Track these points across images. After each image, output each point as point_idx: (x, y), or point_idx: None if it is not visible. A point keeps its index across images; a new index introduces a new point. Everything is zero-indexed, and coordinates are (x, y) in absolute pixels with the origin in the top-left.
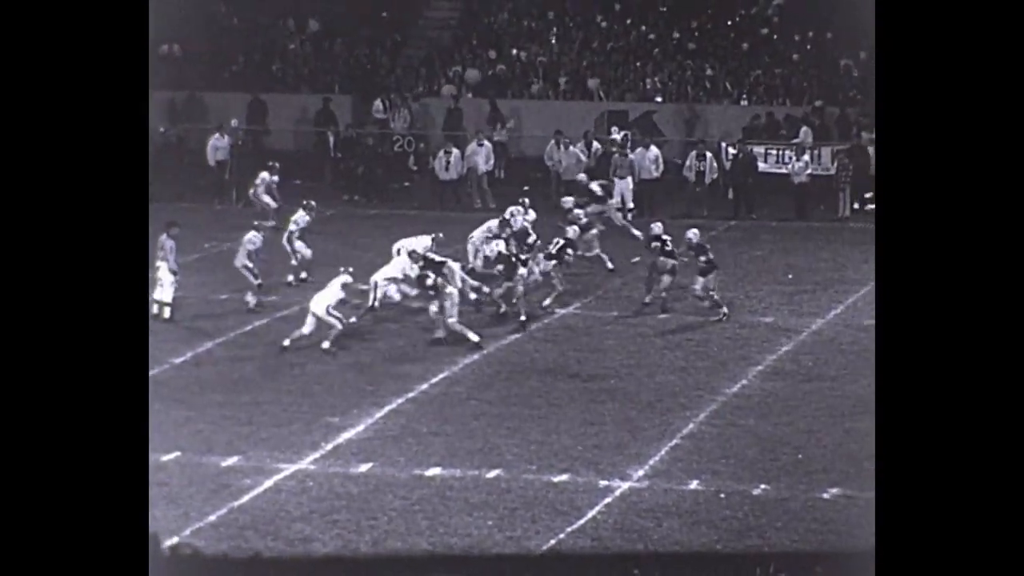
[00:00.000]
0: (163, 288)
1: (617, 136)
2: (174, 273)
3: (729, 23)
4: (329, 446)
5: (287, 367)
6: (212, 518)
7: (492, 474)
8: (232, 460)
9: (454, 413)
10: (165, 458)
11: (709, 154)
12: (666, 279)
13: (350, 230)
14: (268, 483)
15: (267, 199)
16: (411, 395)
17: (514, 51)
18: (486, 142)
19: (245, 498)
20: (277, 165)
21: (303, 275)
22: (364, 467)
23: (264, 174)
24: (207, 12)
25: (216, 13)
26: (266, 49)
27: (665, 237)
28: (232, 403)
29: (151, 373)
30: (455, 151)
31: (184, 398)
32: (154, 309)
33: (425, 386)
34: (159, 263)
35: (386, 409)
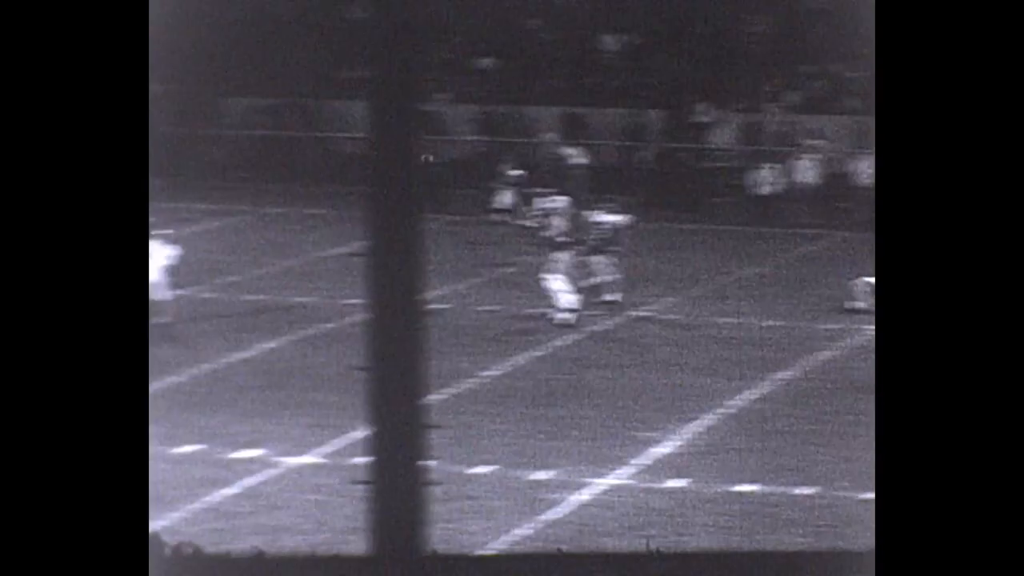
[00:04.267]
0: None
1: None
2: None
3: None
4: (640, 461)
5: (599, 380)
6: (520, 531)
7: (806, 491)
8: (543, 474)
9: (767, 429)
10: (475, 471)
11: None
12: None
13: (668, 245)
14: (580, 498)
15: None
16: (723, 410)
17: (832, 68)
18: (812, 156)
19: (553, 513)
20: None
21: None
22: (676, 483)
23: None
24: (521, 26)
25: (531, 27)
26: (580, 62)
27: None
28: (543, 417)
29: (467, 386)
30: (772, 166)
31: (497, 411)
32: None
33: (738, 401)
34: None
35: (698, 425)
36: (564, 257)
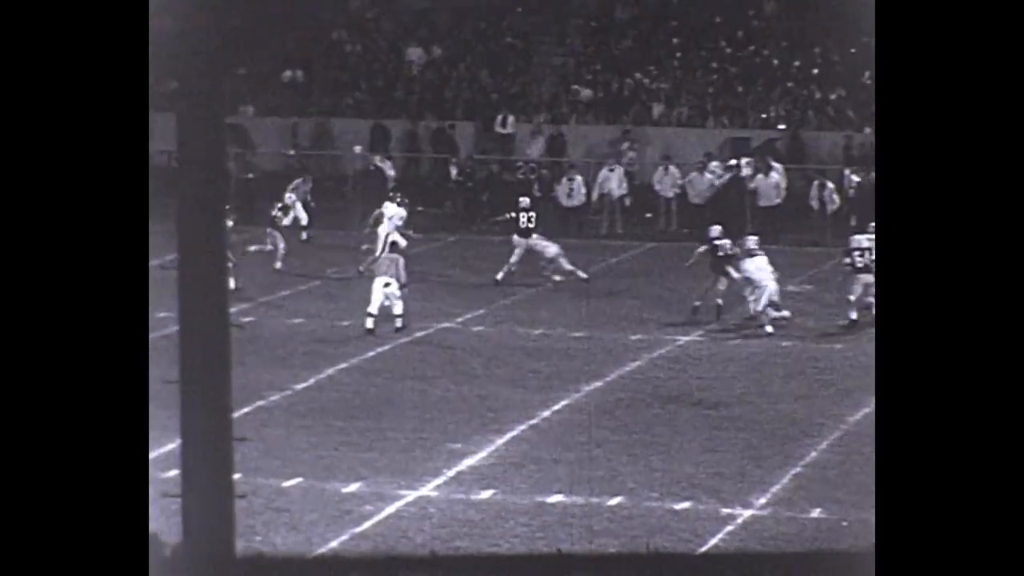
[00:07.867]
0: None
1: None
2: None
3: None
4: (451, 472)
5: (409, 392)
6: (334, 544)
7: (614, 501)
8: (354, 486)
9: (575, 440)
10: (287, 484)
11: (830, 184)
12: (722, 283)
13: (474, 256)
14: (390, 510)
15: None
16: (532, 422)
17: (637, 76)
18: (617, 167)
19: (366, 524)
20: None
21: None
22: (486, 494)
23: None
24: (329, 39)
25: (338, 40)
26: (388, 75)
27: (721, 241)
28: (354, 429)
29: (273, 398)
30: (578, 177)
31: (307, 424)
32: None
33: (547, 413)
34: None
35: (507, 436)
36: (399, 260)
